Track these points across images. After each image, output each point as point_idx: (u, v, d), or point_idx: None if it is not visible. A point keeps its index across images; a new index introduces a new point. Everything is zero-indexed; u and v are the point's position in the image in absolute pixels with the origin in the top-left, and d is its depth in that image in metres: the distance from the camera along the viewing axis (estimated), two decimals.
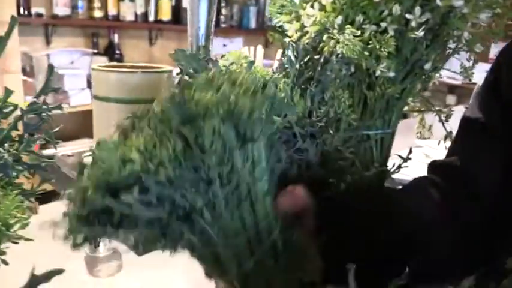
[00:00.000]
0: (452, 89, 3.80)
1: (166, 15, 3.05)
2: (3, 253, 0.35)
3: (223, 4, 3.39)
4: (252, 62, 0.50)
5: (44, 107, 0.33)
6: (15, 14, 1.95)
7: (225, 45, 3.59)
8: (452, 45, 0.59)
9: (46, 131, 0.35)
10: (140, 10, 2.96)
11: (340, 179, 0.62)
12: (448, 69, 0.61)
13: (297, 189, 0.47)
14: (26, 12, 2.55)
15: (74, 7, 2.71)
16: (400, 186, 0.72)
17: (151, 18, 3.05)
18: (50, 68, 0.34)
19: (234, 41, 3.64)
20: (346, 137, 0.55)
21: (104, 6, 2.80)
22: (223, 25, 3.45)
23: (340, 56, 0.51)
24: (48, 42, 2.76)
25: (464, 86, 3.52)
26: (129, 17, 2.91)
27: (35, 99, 0.33)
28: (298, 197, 0.48)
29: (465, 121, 0.64)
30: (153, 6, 3.03)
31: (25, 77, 2.23)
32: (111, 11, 2.84)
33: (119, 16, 2.88)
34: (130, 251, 0.80)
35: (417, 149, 1.35)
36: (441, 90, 3.87)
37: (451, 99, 3.87)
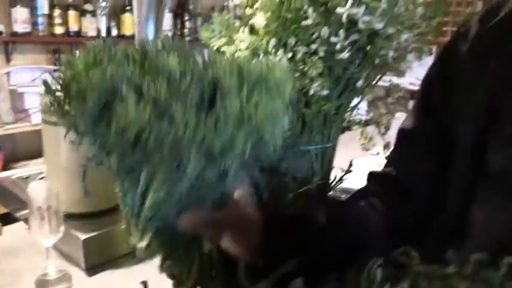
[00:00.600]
0: (414, 94, 3.91)
1: (128, 30, 3.04)
2: None
3: (186, 17, 3.41)
4: None
5: None
6: None
7: None
8: (381, 63, 0.62)
9: None
10: (102, 25, 2.94)
11: (282, 194, 0.64)
12: (380, 85, 0.64)
13: (244, 200, 0.49)
14: None
15: (34, 24, 2.67)
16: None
17: (115, 33, 3.03)
18: None
19: None
20: (283, 153, 0.57)
21: (65, 22, 2.77)
22: (188, 38, 3.46)
23: None
24: (8, 59, 2.70)
25: None
26: (91, 32, 2.89)
27: None
28: (246, 208, 0.50)
29: (401, 132, 0.67)
30: (116, 22, 3.01)
31: None
32: (73, 27, 2.81)
33: (80, 32, 2.86)
34: (80, 274, 0.81)
35: (372, 157, 1.39)
36: (404, 96, 3.98)
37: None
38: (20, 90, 2.45)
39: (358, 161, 0.80)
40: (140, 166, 0.38)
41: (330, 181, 0.70)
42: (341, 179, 0.70)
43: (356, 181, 0.93)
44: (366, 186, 0.69)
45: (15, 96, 2.47)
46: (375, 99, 0.76)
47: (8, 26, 2.62)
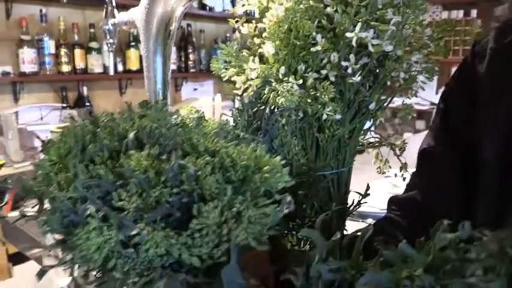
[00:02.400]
0: (420, 114, 3.91)
1: (134, 65, 3.09)
2: None
3: (190, 50, 3.46)
4: (200, 118, 0.52)
5: None
6: None
7: (195, 89, 3.64)
8: (393, 85, 0.62)
9: None
10: (108, 62, 2.99)
11: (302, 222, 0.63)
12: (390, 108, 0.64)
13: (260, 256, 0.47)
14: None
15: (41, 63, 2.72)
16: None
17: (120, 68, 3.08)
18: None
19: (204, 84, 3.69)
20: (299, 181, 0.56)
21: (71, 60, 2.83)
22: (192, 70, 3.51)
23: (282, 105, 0.53)
24: (16, 99, 2.75)
25: (431, 111, 3.63)
26: (98, 69, 2.94)
27: None
28: (261, 264, 0.48)
29: (422, 153, 0.66)
30: (122, 57, 3.07)
31: None
32: (79, 64, 2.86)
33: (87, 69, 2.91)
34: None
35: (385, 179, 1.38)
36: (411, 116, 3.98)
37: (420, 124, 3.98)
38: (29, 128, 2.48)
39: (372, 183, 0.79)
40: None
41: (348, 205, 0.69)
42: (359, 203, 0.69)
43: (371, 204, 0.91)
44: (388, 214, 0.67)
45: (24, 135, 2.49)
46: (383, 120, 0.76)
47: (16, 67, 2.67)
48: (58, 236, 0.35)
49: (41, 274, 0.35)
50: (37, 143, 2.40)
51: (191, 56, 3.47)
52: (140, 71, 3.10)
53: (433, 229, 0.30)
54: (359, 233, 0.37)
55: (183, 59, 3.47)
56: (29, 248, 1.28)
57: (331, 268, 0.32)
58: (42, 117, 2.78)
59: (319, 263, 0.32)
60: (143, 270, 0.33)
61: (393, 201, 0.67)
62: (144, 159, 0.33)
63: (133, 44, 3.06)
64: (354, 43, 0.53)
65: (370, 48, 0.54)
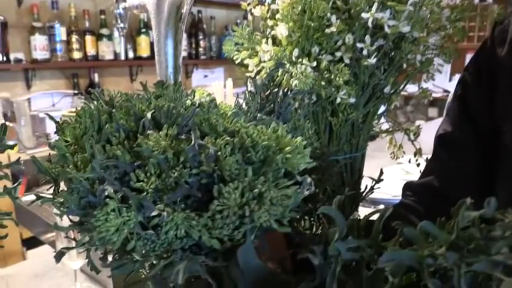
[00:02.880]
0: (433, 102, 3.87)
1: (145, 51, 3.08)
2: None
3: (201, 36, 3.44)
4: (213, 100, 0.51)
5: None
6: None
7: (205, 76, 3.63)
8: (409, 68, 0.61)
9: (5, 187, 0.36)
10: (119, 49, 2.99)
11: (314, 207, 0.63)
12: (405, 91, 0.63)
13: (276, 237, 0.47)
14: (5, 58, 2.56)
15: (52, 50, 2.73)
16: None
17: (131, 55, 3.08)
18: (4, 126, 0.35)
19: (214, 71, 3.68)
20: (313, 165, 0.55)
21: (82, 47, 2.83)
22: (203, 57, 3.50)
23: (296, 88, 0.52)
24: (28, 86, 2.76)
25: (444, 99, 3.59)
26: (108, 56, 2.94)
27: None
28: (279, 246, 0.47)
29: (439, 138, 0.65)
30: (132, 44, 3.06)
31: (6, 123, 2.23)
32: (90, 51, 2.87)
33: (98, 56, 2.91)
34: None
35: (397, 166, 1.36)
36: (423, 103, 3.94)
37: (433, 111, 3.94)
38: (41, 115, 2.50)
39: (384, 170, 0.78)
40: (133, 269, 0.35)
41: (361, 191, 0.68)
42: (372, 188, 0.68)
43: (383, 190, 0.90)
44: (403, 200, 0.66)
45: (37, 122, 2.51)
46: (398, 105, 0.75)
47: (28, 54, 2.68)
48: (74, 218, 0.35)
49: (58, 256, 0.35)
50: (50, 129, 2.42)
51: (202, 43, 3.46)
52: (151, 57, 3.10)
53: (454, 208, 0.29)
54: (377, 214, 0.36)
55: (193, 45, 3.46)
56: (42, 232, 1.29)
57: (350, 247, 0.31)
58: (54, 103, 2.80)
59: (339, 241, 0.31)
60: (163, 253, 0.33)
61: (408, 186, 0.66)
62: (162, 139, 0.33)
63: (143, 30, 3.06)
64: (369, 24, 0.52)
65: (387, 30, 0.52)
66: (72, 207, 0.33)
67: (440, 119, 0.71)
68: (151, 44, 3.08)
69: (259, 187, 0.32)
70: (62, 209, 0.34)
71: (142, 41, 3.07)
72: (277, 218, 0.33)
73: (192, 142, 0.32)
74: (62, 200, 0.34)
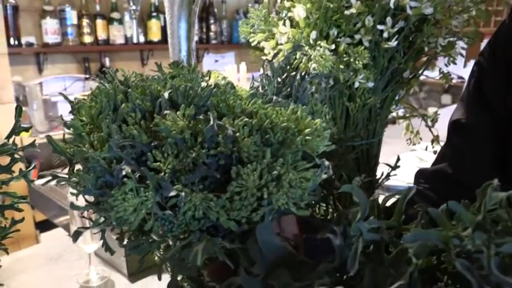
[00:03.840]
0: (447, 88, 3.81)
1: (156, 35, 3.07)
2: None
3: (212, 21, 3.41)
4: (229, 83, 0.50)
5: (15, 147, 0.34)
6: (5, 45, 1.96)
7: (216, 61, 3.61)
8: (429, 52, 0.59)
9: (20, 170, 0.35)
10: (130, 33, 2.98)
11: (329, 193, 0.62)
12: (426, 76, 0.61)
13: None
14: (17, 42, 2.56)
15: (64, 34, 2.73)
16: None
17: (141, 39, 3.07)
18: (19, 109, 0.34)
19: (225, 56, 3.66)
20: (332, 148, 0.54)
21: (93, 31, 2.82)
22: (213, 41, 3.47)
23: (314, 71, 0.51)
24: (40, 70, 2.77)
25: (458, 85, 3.53)
26: (119, 40, 2.93)
27: (5, 141, 0.33)
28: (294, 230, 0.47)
29: (453, 124, 0.63)
30: (143, 28, 3.05)
31: None
32: (101, 35, 2.86)
33: (109, 40, 2.90)
34: (123, 280, 0.80)
35: (411, 153, 1.35)
36: (436, 90, 3.88)
37: (446, 98, 3.88)
38: (53, 99, 2.50)
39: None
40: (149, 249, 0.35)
41: (377, 178, 0.67)
42: (388, 175, 0.67)
43: (397, 178, 0.89)
44: (416, 187, 0.65)
45: (49, 106, 2.52)
46: (417, 89, 0.73)
47: (39, 38, 2.68)
48: (90, 199, 0.34)
49: (75, 236, 0.34)
50: (62, 113, 2.43)
51: (212, 27, 3.43)
52: (161, 42, 3.08)
53: (480, 190, 0.28)
54: (397, 196, 0.35)
55: (204, 30, 3.43)
56: (56, 215, 1.30)
57: (372, 227, 0.31)
58: (66, 88, 2.81)
59: (361, 221, 0.30)
60: (180, 234, 0.32)
61: (421, 173, 0.64)
62: (180, 119, 0.32)
63: (154, 14, 3.04)
64: (391, 5, 0.50)
65: (409, 11, 0.51)
66: (89, 186, 0.32)
67: (454, 106, 0.69)
68: (162, 28, 3.06)
69: (277, 169, 0.31)
70: (78, 188, 0.34)
71: (153, 25, 3.05)
72: (295, 201, 0.33)
73: (211, 122, 0.31)
74: (77, 179, 0.33)
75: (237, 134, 0.31)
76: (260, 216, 0.32)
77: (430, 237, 0.27)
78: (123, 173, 0.30)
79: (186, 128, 0.32)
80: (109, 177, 0.32)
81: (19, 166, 0.37)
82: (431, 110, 0.77)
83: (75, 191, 0.33)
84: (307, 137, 0.34)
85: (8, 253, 0.37)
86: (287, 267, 0.34)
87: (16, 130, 0.33)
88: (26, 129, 0.34)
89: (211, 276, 0.40)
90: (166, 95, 0.34)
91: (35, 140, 0.37)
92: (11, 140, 0.34)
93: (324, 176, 0.34)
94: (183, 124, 0.32)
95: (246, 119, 0.32)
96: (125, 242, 0.36)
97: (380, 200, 0.48)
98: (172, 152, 0.31)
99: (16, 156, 0.35)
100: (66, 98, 0.36)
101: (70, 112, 0.35)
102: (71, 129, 0.34)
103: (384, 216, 0.36)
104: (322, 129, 0.35)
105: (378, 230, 0.31)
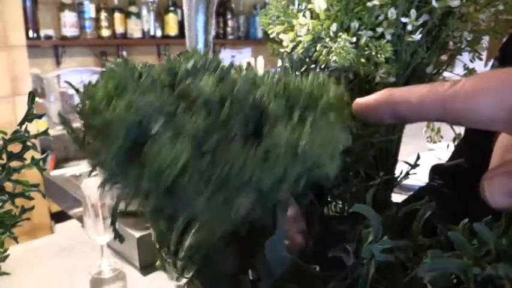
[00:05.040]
0: None
1: (173, 30, 3.07)
2: None
3: (229, 16, 3.41)
4: (250, 64, 0.49)
5: (26, 134, 0.33)
6: (24, 37, 1.98)
7: (233, 56, 3.60)
8: (454, 47, 0.57)
9: (33, 158, 0.35)
10: (147, 27, 2.99)
11: (345, 190, 0.60)
12: (450, 71, 0.59)
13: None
14: (35, 35, 2.59)
15: (82, 27, 2.75)
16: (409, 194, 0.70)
17: (159, 33, 3.07)
18: (32, 95, 0.33)
19: (242, 52, 3.65)
20: (349, 146, 0.53)
21: (111, 25, 2.84)
22: (230, 37, 3.46)
23: (335, 64, 0.49)
24: (58, 63, 2.80)
25: None
26: (137, 34, 2.94)
27: (18, 127, 0.33)
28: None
29: None
30: (160, 22, 3.05)
31: (36, 98, 2.27)
32: (119, 29, 2.87)
33: (126, 34, 2.91)
34: (134, 272, 0.80)
35: (429, 153, 1.32)
36: None
37: None
38: (70, 92, 2.53)
39: (415, 156, 0.74)
40: (179, 210, 0.34)
41: (396, 176, 0.65)
42: (408, 174, 0.65)
43: (414, 177, 0.86)
44: (431, 183, 0.63)
45: (66, 98, 2.54)
46: None
47: (58, 30, 2.71)
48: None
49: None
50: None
51: (230, 23, 3.43)
52: (178, 36, 3.08)
53: (508, 212, 0.26)
54: (418, 207, 0.33)
55: (221, 25, 3.42)
56: (71, 206, 1.31)
57: (385, 248, 0.29)
58: (83, 80, 2.83)
59: (372, 244, 0.29)
60: (218, 187, 0.31)
61: (436, 169, 0.62)
62: (207, 80, 0.31)
63: (172, 9, 3.04)
64: None
65: (434, 4, 0.49)
66: (114, 150, 0.31)
67: None
68: (179, 23, 3.06)
69: (306, 128, 0.31)
70: (102, 155, 0.32)
71: (170, 19, 3.06)
72: (324, 162, 0.32)
73: (239, 84, 0.31)
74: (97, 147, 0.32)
75: (264, 97, 0.31)
76: (295, 177, 0.31)
77: (448, 265, 0.25)
78: (159, 125, 0.29)
79: (215, 88, 0.31)
80: (140, 132, 0.30)
81: (32, 155, 0.36)
82: None
83: (93, 162, 0.32)
84: (332, 101, 0.33)
85: (17, 242, 0.37)
86: (297, 283, 0.33)
87: (29, 117, 0.32)
88: (39, 117, 0.34)
89: (233, 255, 0.39)
90: (189, 65, 0.33)
91: (47, 128, 0.36)
92: (23, 128, 0.33)
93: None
94: (213, 81, 0.31)
95: (270, 85, 0.32)
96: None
97: (396, 199, 0.46)
98: (203, 112, 0.30)
99: (28, 143, 0.34)
100: (71, 85, 0.35)
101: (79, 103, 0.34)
102: (89, 99, 0.32)
103: (403, 229, 0.34)
104: (345, 95, 0.34)
105: (392, 249, 0.30)
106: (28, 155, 0.36)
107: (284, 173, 0.30)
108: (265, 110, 0.31)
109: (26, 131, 0.33)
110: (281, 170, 0.30)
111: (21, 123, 0.33)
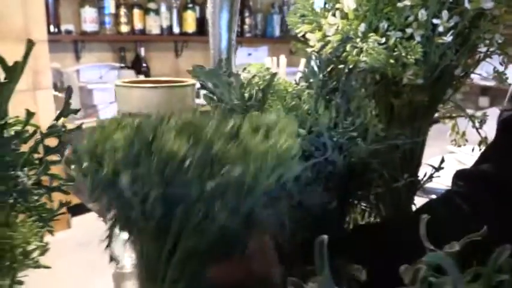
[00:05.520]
0: (484, 90, 3.69)
1: (191, 27, 3.08)
2: (21, 283, 0.35)
3: (246, 14, 3.41)
4: (274, 74, 0.49)
5: (63, 129, 0.33)
6: (45, 32, 2.00)
7: (249, 54, 3.60)
8: (483, 49, 0.56)
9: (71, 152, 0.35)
10: (165, 23, 3.00)
11: (369, 192, 0.60)
12: (479, 74, 0.59)
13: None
14: (56, 30, 2.62)
15: (101, 23, 2.77)
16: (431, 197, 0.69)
17: (177, 30, 3.09)
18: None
19: (258, 50, 3.64)
20: (374, 148, 0.53)
21: (130, 21, 2.86)
22: (247, 34, 3.46)
23: (364, 65, 0.49)
24: (77, 57, 2.83)
25: (497, 88, 3.41)
26: (155, 30, 2.96)
27: (54, 122, 0.33)
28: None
29: (503, 122, 0.59)
30: (178, 19, 3.07)
31: (56, 93, 2.29)
32: (137, 25, 2.89)
33: (145, 30, 2.93)
34: None
35: (450, 155, 1.30)
36: (473, 92, 3.77)
37: (483, 101, 3.76)
38: (89, 87, 2.55)
39: (436, 159, 0.73)
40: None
41: (419, 178, 0.65)
42: (431, 177, 0.64)
43: (435, 180, 0.86)
44: (454, 188, 0.61)
45: (85, 93, 2.57)
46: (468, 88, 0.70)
47: (78, 26, 2.74)
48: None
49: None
50: (97, 101, 2.47)
51: (247, 20, 3.43)
52: (196, 33, 3.09)
53: None
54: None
55: (238, 23, 3.42)
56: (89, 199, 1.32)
57: None
58: (102, 76, 2.85)
59: None
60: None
61: (460, 174, 0.60)
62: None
63: (190, 6, 3.05)
64: None
65: (466, 5, 0.48)
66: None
67: (492, 109, 0.65)
68: (198, 20, 3.07)
69: None
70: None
71: (189, 16, 3.07)
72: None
73: None
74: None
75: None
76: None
77: None
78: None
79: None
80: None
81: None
82: (470, 112, 0.74)
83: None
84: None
85: (53, 234, 0.37)
86: None
87: (65, 112, 0.33)
88: (75, 112, 0.34)
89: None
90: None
91: (82, 123, 0.37)
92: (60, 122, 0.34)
93: None
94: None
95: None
96: None
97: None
98: None
99: (63, 139, 0.34)
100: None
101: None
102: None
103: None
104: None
105: None
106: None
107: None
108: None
109: (63, 125, 0.34)
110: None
111: (57, 118, 0.33)
